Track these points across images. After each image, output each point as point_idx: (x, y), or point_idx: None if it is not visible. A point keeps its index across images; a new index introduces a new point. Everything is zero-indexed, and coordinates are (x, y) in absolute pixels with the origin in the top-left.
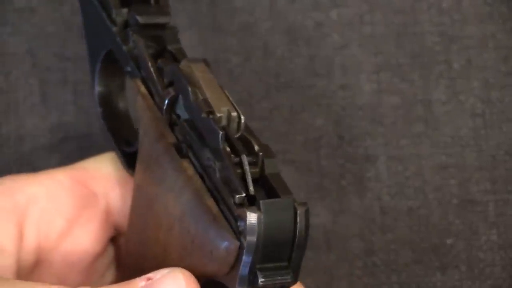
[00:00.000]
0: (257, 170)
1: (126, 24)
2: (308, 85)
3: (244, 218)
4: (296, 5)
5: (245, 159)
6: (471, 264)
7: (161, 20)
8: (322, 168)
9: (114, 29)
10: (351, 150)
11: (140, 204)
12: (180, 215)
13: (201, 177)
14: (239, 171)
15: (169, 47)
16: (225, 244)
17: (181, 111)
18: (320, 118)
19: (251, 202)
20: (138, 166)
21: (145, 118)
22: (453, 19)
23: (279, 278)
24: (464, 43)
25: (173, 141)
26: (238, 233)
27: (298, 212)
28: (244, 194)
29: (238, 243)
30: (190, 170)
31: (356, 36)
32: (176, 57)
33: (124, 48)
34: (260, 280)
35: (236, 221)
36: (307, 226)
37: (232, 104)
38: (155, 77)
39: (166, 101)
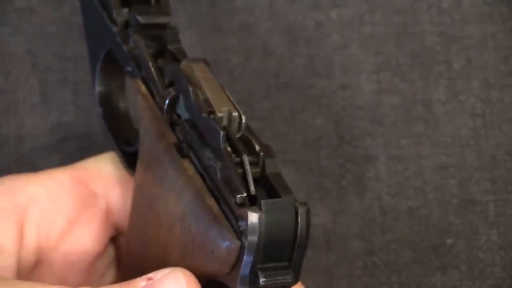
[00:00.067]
0: (258, 170)
1: (126, 24)
2: (308, 85)
3: (245, 218)
4: (296, 5)
5: (246, 159)
6: (471, 264)
7: (161, 20)
8: (322, 168)
9: (115, 29)
10: (351, 150)
11: (141, 204)
12: (181, 215)
13: (202, 177)
14: (240, 171)
15: (170, 47)
16: (226, 244)
17: (182, 111)
18: (320, 118)
19: (252, 202)
20: (139, 166)
21: (146, 118)
22: (453, 19)
23: (280, 278)
24: (464, 43)
25: (174, 141)
26: (239, 233)
27: (299, 211)
28: (245, 194)
29: (239, 243)
30: (191, 170)
31: (356, 36)
32: (177, 57)
33: (125, 48)
34: (261, 280)
35: (237, 221)
36: (308, 226)
37: (233, 104)
38: (155, 77)
39: (167, 101)
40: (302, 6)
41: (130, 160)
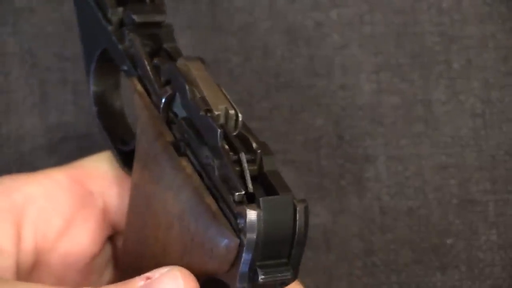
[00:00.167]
0: (256, 167)
1: (121, 23)
2: (308, 85)
3: (244, 216)
4: (296, 5)
5: (243, 157)
6: (471, 264)
7: (156, 18)
8: (322, 168)
9: (110, 28)
10: (351, 150)
11: (138, 203)
12: (179, 213)
13: (200, 175)
14: (237, 169)
15: (165, 46)
16: (225, 242)
17: (178, 109)
18: (320, 118)
19: (250, 199)
20: (136, 165)
21: (143, 117)
22: (453, 19)
23: (279, 275)
24: (464, 43)
25: (171, 140)
26: (238, 231)
27: (298, 209)
28: (243, 192)
29: (238, 241)
30: (189, 169)
31: (356, 36)
32: (172, 56)
33: (120, 47)
34: (261, 277)
35: (235, 218)
36: (306, 223)
37: (230, 102)
38: (151, 76)
39: (164, 100)
40: (302, 6)
41: (125, 159)
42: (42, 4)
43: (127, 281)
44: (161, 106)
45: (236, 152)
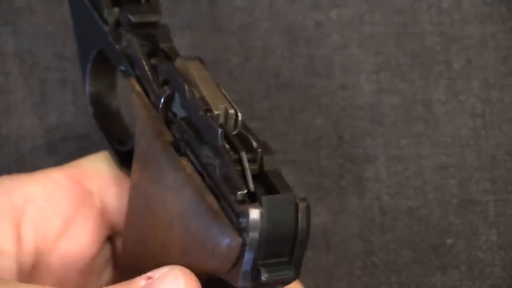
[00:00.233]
0: (256, 166)
1: (117, 23)
2: (308, 85)
3: (246, 215)
4: (296, 5)
5: (244, 156)
6: (471, 264)
7: (152, 18)
8: (322, 168)
9: (106, 28)
10: (350, 150)
11: (137, 203)
12: (180, 213)
13: (200, 174)
14: (238, 168)
15: (162, 46)
16: (227, 241)
17: (177, 109)
18: (320, 118)
19: (251, 198)
20: (135, 165)
21: (141, 117)
22: (453, 19)
23: (282, 273)
24: (464, 43)
25: (170, 140)
26: (240, 230)
27: (300, 207)
28: (245, 191)
29: (240, 240)
30: (189, 168)
31: (356, 36)
32: (169, 56)
33: (117, 47)
34: (264, 276)
35: (237, 217)
36: (308, 221)
37: (229, 102)
38: (150, 76)
39: (162, 100)
40: (302, 6)
41: (123, 159)
42: (42, 4)
43: (128, 281)
44: (160, 106)
45: (237, 152)
